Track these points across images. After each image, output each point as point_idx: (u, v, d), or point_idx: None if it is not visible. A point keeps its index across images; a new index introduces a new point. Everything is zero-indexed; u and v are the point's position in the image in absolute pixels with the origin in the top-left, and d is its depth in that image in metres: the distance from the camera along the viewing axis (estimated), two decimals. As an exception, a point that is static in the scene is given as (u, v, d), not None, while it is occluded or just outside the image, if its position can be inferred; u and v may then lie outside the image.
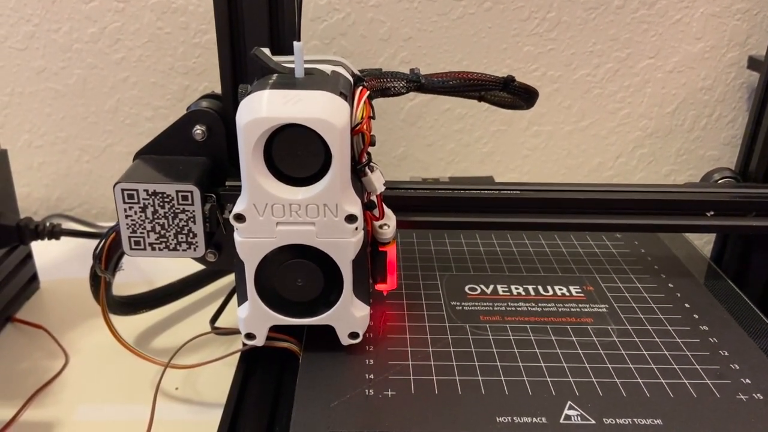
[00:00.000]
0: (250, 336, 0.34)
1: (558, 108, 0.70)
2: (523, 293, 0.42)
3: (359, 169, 0.32)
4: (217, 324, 0.44)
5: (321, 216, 0.30)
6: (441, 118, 0.70)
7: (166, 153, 0.38)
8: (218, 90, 0.40)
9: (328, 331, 0.34)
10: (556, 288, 0.42)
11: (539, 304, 0.40)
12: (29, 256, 0.54)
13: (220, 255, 0.38)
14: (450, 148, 0.72)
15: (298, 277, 0.32)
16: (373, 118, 0.32)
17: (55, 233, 0.51)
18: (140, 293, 0.50)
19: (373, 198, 0.34)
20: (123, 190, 0.34)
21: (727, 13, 0.67)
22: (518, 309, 0.40)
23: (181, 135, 0.37)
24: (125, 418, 0.42)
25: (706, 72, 0.69)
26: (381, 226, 0.34)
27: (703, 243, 0.70)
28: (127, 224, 0.35)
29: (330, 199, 0.30)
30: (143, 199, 0.35)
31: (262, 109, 0.28)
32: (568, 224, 0.39)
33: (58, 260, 0.60)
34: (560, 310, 0.40)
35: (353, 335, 0.34)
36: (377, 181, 0.32)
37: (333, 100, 0.29)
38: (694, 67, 0.69)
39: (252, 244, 0.31)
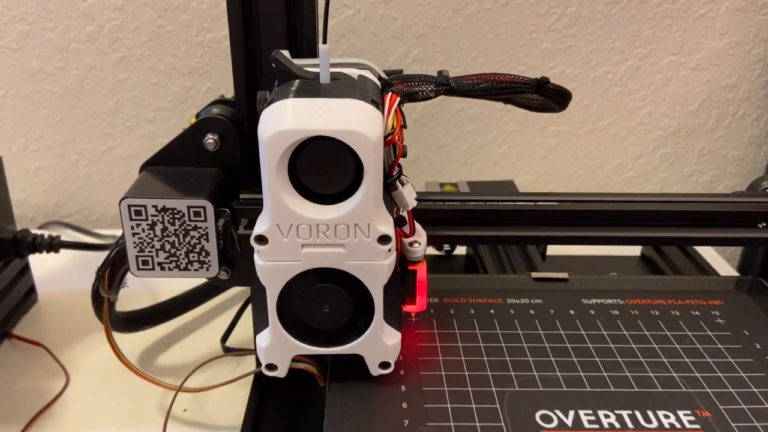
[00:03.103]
0: (271, 367, 0.31)
1: (576, 107, 0.67)
2: (618, 426, 0.30)
3: (390, 183, 0.29)
4: (225, 336, 0.42)
5: (351, 237, 0.27)
6: (454, 119, 0.68)
7: (175, 164, 0.35)
8: (223, 91, 0.38)
9: (355, 358, 0.31)
10: (661, 415, 0.31)
11: None
12: (27, 267, 0.52)
13: (233, 272, 0.36)
14: (463, 149, 0.69)
15: (325, 303, 0.29)
16: (405, 126, 0.30)
17: (53, 246, 0.48)
18: (144, 308, 0.47)
19: (403, 213, 0.31)
20: (130, 206, 0.32)
21: (753, 7, 0.64)
22: None
23: (191, 144, 0.35)
24: (132, 443, 0.40)
25: (731, 69, 0.66)
26: (411, 244, 0.32)
27: (728, 256, 0.67)
28: (134, 243, 0.32)
29: (361, 218, 0.27)
30: (152, 215, 0.32)
31: (286, 121, 0.25)
32: (611, 238, 0.37)
33: (56, 271, 0.57)
34: None
35: (384, 365, 0.31)
36: (409, 196, 0.30)
37: (365, 110, 0.26)
38: (718, 63, 0.66)
39: (275, 268, 0.28)
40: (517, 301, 0.39)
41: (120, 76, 0.64)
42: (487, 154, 0.69)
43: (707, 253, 0.56)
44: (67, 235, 0.64)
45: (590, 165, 0.70)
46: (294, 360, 0.32)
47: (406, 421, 0.30)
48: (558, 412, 0.31)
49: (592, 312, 0.38)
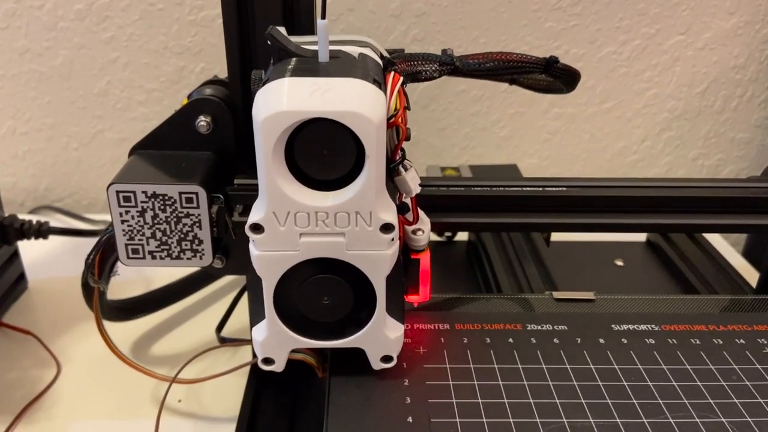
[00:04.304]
0: (268, 361, 0.29)
1: (581, 88, 0.65)
2: None
3: (392, 168, 0.27)
4: (221, 326, 0.41)
5: (352, 225, 0.26)
6: (455, 101, 0.66)
7: (165, 147, 0.33)
8: (217, 72, 0.36)
9: (356, 350, 0.30)
10: None
11: None
12: (16, 254, 0.51)
13: (228, 260, 0.34)
14: (465, 132, 0.67)
15: (324, 294, 0.28)
16: (408, 108, 0.28)
17: (42, 232, 0.47)
18: (136, 296, 0.46)
19: (406, 200, 0.30)
20: (118, 192, 0.30)
21: (763, -15, 0.62)
22: None
23: (182, 127, 0.33)
24: (125, 435, 0.39)
25: (739, 49, 0.65)
26: (414, 232, 0.30)
27: (732, 241, 0.66)
28: (124, 230, 0.31)
29: (363, 205, 0.25)
30: (141, 202, 0.30)
31: (283, 102, 0.24)
32: (620, 225, 0.35)
33: (47, 258, 0.56)
34: None
35: (386, 359, 0.29)
36: (412, 182, 0.28)
37: (367, 90, 0.24)
38: (726, 44, 0.64)
39: (271, 258, 0.27)
40: (539, 328, 0.34)
41: (110, 56, 0.62)
42: (489, 137, 0.68)
43: (712, 237, 0.55)
44: (58, 220, 0.62)
45: (594, 148, 0.69)
46: (292, 351, 0.30)
47: None
48: None
49: (625, 341, 0.34)
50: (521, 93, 0.65)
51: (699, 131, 0.68)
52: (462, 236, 0.56)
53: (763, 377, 0.31)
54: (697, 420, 0.29)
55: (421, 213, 0.31)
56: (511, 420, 0.29)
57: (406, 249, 0.31)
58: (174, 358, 0.45)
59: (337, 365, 0.31)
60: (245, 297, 0.42)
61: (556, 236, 0.52)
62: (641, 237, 0.56)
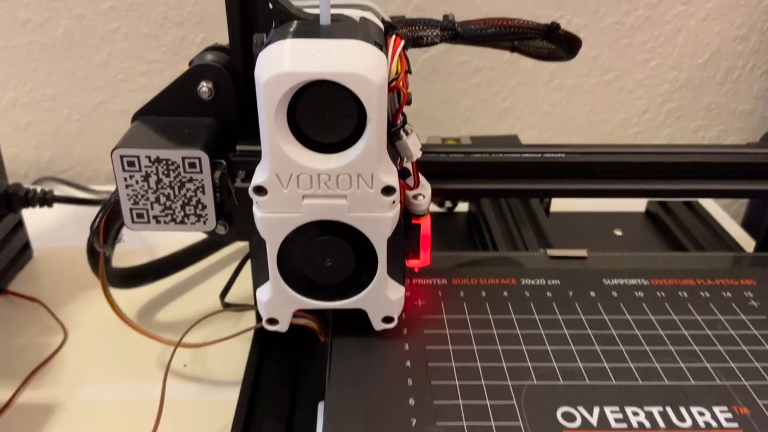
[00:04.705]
0: (272, 321, 0.30)
1: (583, 59, 0.65)
2: (649, 425, 0.27)
3: (394, 132, 0.28)
4: (224, 292, 0.42)
5: (354, 188, 0.26)
6: (457, 72, 0.66)
7: (168, 113, 0.33)
8: (218, 41, 0.36)
9: (358, 312, 0.30)
10: (695, 412, 0.28)
11: None
12: (20, 223, 0.51)
13: (231, 226, 0.35)
14: (466, 104, 0.67)
15: (326, 256, 0.28)
16: (410, 72, 0.28)
17: (47, 200, 0.47)
18: (141, 264, 0.46)
19: (407, 164, 0.30)
20: (122, 156, 0.30)
21: (767, -46, 0.62)
22: None
23: (184, 93, 0.33)
24: (131, 398, 0.40)
25: (742, 20, 0.64)
26: (415, 197, 0.30)
27: (732, 212, 0.67)
28: (128, 195, 0.31)
29: (365, 168, 0.26)
30: (145, 166, 0.31)
31: (285, 63, 0.24)
32: (620, 190, 0.35)
33: (51, 227, 0.56)
34: None
35: (387, 319, 0.30)
36: (413, 146, 0.28)
37: (369, 52, 0.24)
38: (728, 14, 0.64)
39: (274, 220, 0.27)
40: (533, 282, 0.36)
41: (110, 27, 0.62)
42: (490, 109, 0.68)
43: (711, 208, 0.56)
44: (62, 192, 0.62)
45: (595, 120, 0.69)
46: (295, 316, 0.31)
47: (414, 420, 0.27)
48: (581, 409, 0.28)
49: (615, 294, 0.35)
50: (523, 64, 0.65)
51: (700, 103, 0.68)
52: (462, 207, 0.56)
53: (747, 326, 0.33)
54: (682, 365, 0.30)
55: (421, 178, 0.31)
56: (504, 364, 0.30)
57: (407, 214, 0.31)
58: (179, 324, 0.46)
59: (339, 327, 0.32)
60: (248, 265, 0.42)
61: (555, 207, 0.53)
62: (640, 207, 0.56)
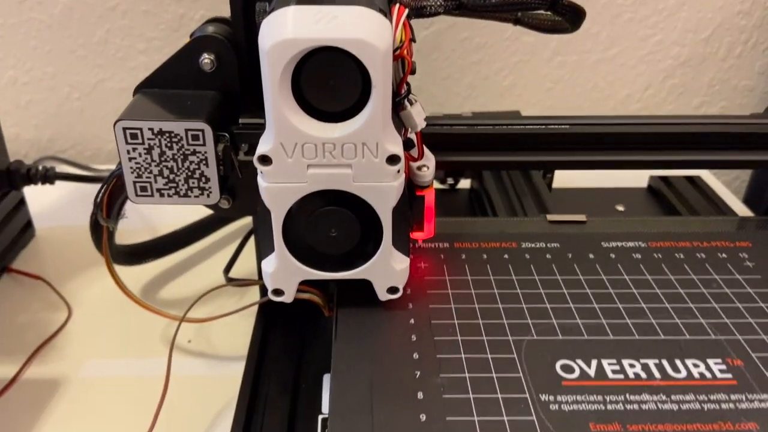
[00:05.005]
0: (277, 292, 0.30)
1: (585, 35, 0.65)
2: (645, 376, 0.28)
3: (398, 102, 0.28)
4: (228, 267, 0.42)
5: (359, 157, 0.26)
6: (458, 49, 0.65)
7: (170, 86, 0.33)
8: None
9: (363, 284, 0.30)
10: (690, 364, 0.29)
11: (672, 398, 0.27)
12: (22, 201, 0.51)
13: (234, 201, 0.35)
14: (467, 81, 0.67)
15: (331, 227, 0.28)
16: (414, 40, 0.28)
17: (48, 177, 0.47)
18: (145, 241, 0.46)
19: (411, 135, 0.30)
20: (125, 128, 0.30)
21: (772, -73, 0.61)
22: (643, 408, 0.27)
23: (186, 65, 0.33)
24: (136, 373, 0.40)
25: (746, -6, 0.64)
26: (419, 168, 0.30)
27: (734, 189, 0.66)
28: (131, 168, 0.31)
29: (370, 137, 0.26)
30: (148, 139, 0.30)
31: (288, 30, 0.24)
32: (623, 162, 0.35)
33: (53, 206, 0.56)
34: (706, 408, 0.27)
35: (392, 290, 0.30)
36: (418, 116, 0.28)
37: (373, 18, 0.24)
38: (732, -12, 0.64)
39: (279, 189, 0.27)
40: (533, 245, 0.36)
41: (109, 4, 0.61)
42: (492, 86, 0.67)
43: (714, 183, 0.55)
44: (63, 170, 0.62)
45: (597, 97, 0.68)
46: (299, 290, 0.31)
47: (418, 372, 0.28)
48: (579, 361, 0.28)
49: (613, 256, 0.35)
50: (524, 41, 0.65)
51: (702, 79, 0.68)
52: (464, 184, 0.56)
53: (742, 285, 0.33)
54: (678, 321, 0.31)
55: (425, 149, 0.31)
56: (504, 321, 0.31)
57: (411, 186, 0.31)
58: (183, 300, 0.46)
59: (343, 300, 0.32)
60: (251, 242, 0.42)
61: (558, 182, 0.53)
62: (642, 183, 0.56)
